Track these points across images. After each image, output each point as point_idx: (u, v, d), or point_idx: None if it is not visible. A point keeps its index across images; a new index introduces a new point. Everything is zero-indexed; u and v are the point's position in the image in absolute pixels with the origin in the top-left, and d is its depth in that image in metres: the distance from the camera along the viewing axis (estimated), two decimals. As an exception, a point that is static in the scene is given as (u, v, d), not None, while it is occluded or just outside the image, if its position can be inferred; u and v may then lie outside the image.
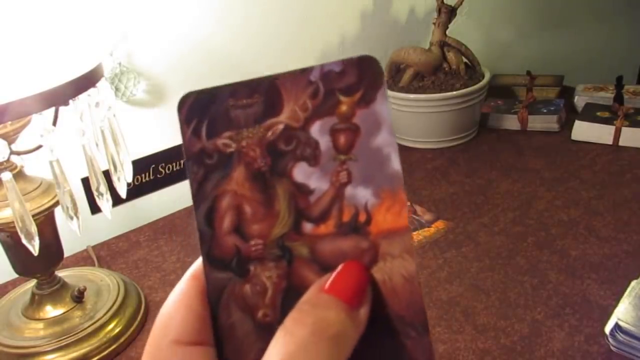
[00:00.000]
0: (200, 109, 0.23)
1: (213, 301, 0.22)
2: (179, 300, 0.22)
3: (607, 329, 0.61)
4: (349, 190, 0.22)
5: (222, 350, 0.22)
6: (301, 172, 0.22)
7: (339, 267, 0.22)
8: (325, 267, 0.22)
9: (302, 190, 0.22)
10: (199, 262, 0.23)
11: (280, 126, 0.23)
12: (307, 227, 0.22)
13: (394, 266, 0.22)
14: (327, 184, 0.22)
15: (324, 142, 0.22)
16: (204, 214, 0.23)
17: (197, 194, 0.23)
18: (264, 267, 0.22)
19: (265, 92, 0.23)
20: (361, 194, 0.22)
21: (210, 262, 0.23)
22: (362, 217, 0.22)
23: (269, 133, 0.23)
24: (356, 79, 0.22)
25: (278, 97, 0.23)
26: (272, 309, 0.22)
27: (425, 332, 0.21)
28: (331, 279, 0.21)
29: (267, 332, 0.22)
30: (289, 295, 0.22)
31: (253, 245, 0.23)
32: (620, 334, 0.59)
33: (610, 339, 0.60)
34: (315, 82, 0.22)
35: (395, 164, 0.22)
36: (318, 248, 0.22)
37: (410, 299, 0.21)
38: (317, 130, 0.22)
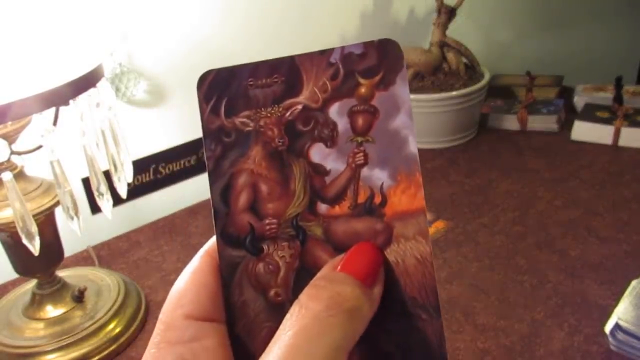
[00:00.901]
0: (220, 86, 0.23)
1: (226, 279, 0.23)
2: (192, 276, 0.22)
3: (607, 328, 0.61)
4: (365, 172, 0.22)
5: (233, 327, 0.22)
6: (318, 153, 0.23)
7: (353, 247, 0.22)
8: (339, 248, 0.22)
9: (319, 171, 0.23)
10: (213, 240, 0.23)
11: (299, 106, 0.23)
12: (322, 207, 0.23)
13: (408, 248, 0.22)
14: (343, 165, 0.22)
15: (342, 123, 0.22)
16: (220, 192, 0.23)
17: (213, 171, 0.23)
18: (277, 246, 0.23)
19: (285, 72, 0.23)
20: (377, 176, 0.22)
21: (224, 239, 0.23)
22: (378, 199, 0.22)
23: (288, 113, 0.23)
24: (376, 62, 0.22)
25: (298, 77, 0.23)
26: (284, 288, 0.22)
27: (437, 314, 0.21)
28: (345, 258, 0.22)
29: (278, 311, 0.22)
30: (302, 275, 0.22)
31: (267, 224, 0.23)
32: (621, 333, 0.59)
33: (610, 338, 0.60)
34: (336, 63, 0.23)
35: (412, 146, 0.22)
36: (332, 229, 0.22)
37: (423, 281, 0.22)
38: (336, 112, 0.23)
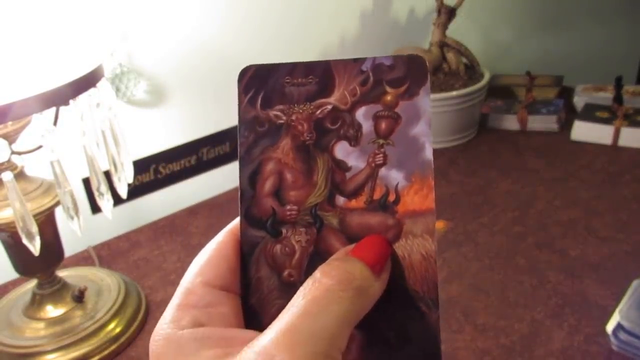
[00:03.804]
0: (259, 81, 0.25)
1: (245, 255, 0.25)
2: (215, 248, 0.25)
3: (610, 328, 0.61)
4: (383, 172, 0.24)
5: (247, 300, 0.24)
6: (342, 150, 0.25)
7: (365, 238, 0.24)
8: (352, 238, 0.24)
9: (340, 167, 0.25)
10: (237, 220, 0.25)
11: (329, 106, 0.25)
12: (340, 200, 0.25)
13: (415, 244, 0.24)
14: (363, 164, 0.25)
15: (367, 125, 0.25)
16: (248, 175, 0.25)
17: (244, 156, 0.25)
18: (295, 231, 0.25)
19: (320, 74, 0.25)
20: (393, 176, 0.24)
21: (248, 219, 0.25)
22: (392, 197, 0.24)
23: (318, 111, 0.25)
24: (403, 74, 0.25)
25: (331, 80, 0.25)
26: (297, 270, 0.25)
27: (435, 307, 0.23)
28: (357, 245, 0.24)
29: (290, 291, 0.24)
30: (315, 259, 0.24)
31: (288, 210, 0.25)
32: (623, 333, 0.59)
33: (612, 339, 0.60)
34: (367, 71, 0.25)
35: (429, 153, 0.24)
36: (347, 220, 0.24)
37: (426, 276, 0.23)
38: (362, 115, 0.25)
